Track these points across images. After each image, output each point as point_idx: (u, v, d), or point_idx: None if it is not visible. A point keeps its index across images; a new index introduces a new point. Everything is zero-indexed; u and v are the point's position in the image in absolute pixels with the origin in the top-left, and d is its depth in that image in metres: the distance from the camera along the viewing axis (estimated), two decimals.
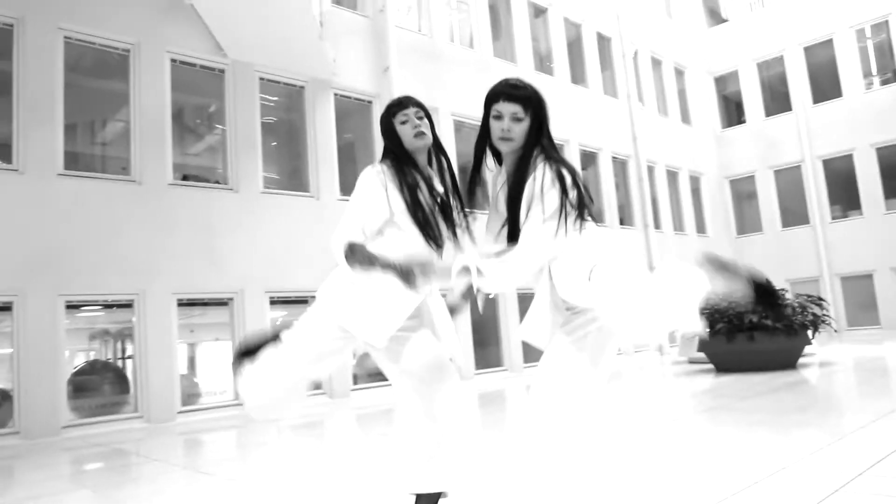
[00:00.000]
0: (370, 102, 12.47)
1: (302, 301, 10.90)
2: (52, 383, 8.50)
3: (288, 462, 5.55)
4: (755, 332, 9.11)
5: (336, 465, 5.25)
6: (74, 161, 9.31)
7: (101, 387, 9.51)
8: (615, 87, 18.03)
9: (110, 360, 9.97)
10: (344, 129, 12.08)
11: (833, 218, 19.39)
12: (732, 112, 22.22)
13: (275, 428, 7.82)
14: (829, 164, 19.59)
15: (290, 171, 11.76)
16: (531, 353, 14.04)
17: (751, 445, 4.39)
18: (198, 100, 11.15)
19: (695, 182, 20.55)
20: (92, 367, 9.70)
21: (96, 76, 9.96)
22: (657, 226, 18.22)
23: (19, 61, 8.79)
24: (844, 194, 19.32)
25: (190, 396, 9.87)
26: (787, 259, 19.72)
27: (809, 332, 9.45)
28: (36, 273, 8.53)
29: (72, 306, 8.91)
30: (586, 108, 16.81)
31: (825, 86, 19.77)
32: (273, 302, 10.52)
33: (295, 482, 4.60)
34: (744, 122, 21.52)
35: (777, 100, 20.82)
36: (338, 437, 7.43)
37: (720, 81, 22.12)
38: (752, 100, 21.15)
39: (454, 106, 13.55)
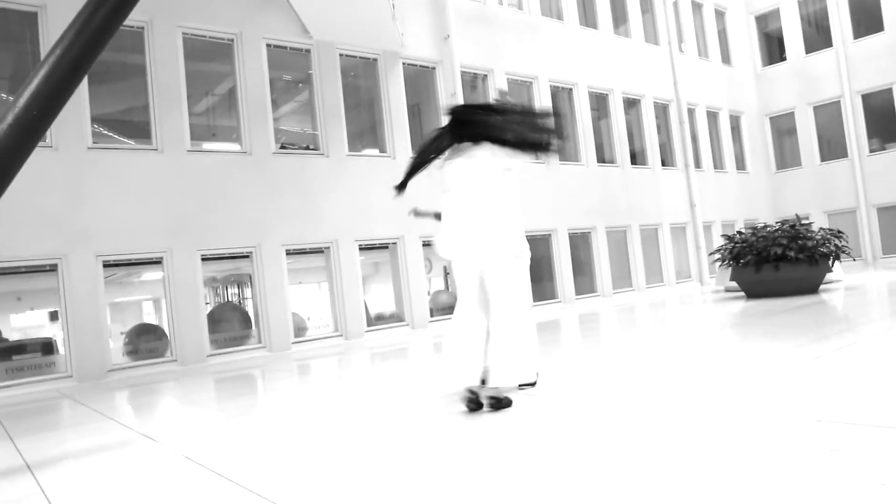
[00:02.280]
0: (433, 68, 13.93)
1: (383, 247, 12.75)
2: (195, 321, 10.55)
3: (373, 376, 7.41)
4: (780, 262, 10.56)
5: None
6: (196, 134, 11.09)
7: (231, 323, 11.57)
8: (656, 35, 19.00)
9: (235, 302, 12.03)
10: (411, 94, 13.60)
11: (871, 151, 20.22)
12: (774, 50, 22.83)
13: (368, 354, 9.69)
14: (867, 99, 20.30)
15: (369, 135, 13.40)
16: (582, 287, 15.73)
17: (767, 352, 6.01)
18: (289, 76, 12.79)
19: (735, 121, 21.50)
20: (223, 308, 11.76)
21: (207, 61, 11.65)
22: (698, 165, 19.42)
23: (150, 56, 10.54)
24: (882, 127, 20.09)
25: (300, 329, 11.87)
26: (826, 192, 20.75)
27: (830, 261, 10.84)
28: (178, 233, 10.47)
29: (205, 258, 10.88)
30: (629, 57, 17.90)
31: (866, 20, 20.29)
32: (361, 249, 12.37)
33: (378, 390, 6.41)
34: (784, 59, 22.18)
35: (817, 36, 21.40)
36: (420, 361, 9.29)
37: (761, 20, 22.69)
38: (793, 36, 21.74)
39: (508, 66, 14.91)
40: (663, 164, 18.58)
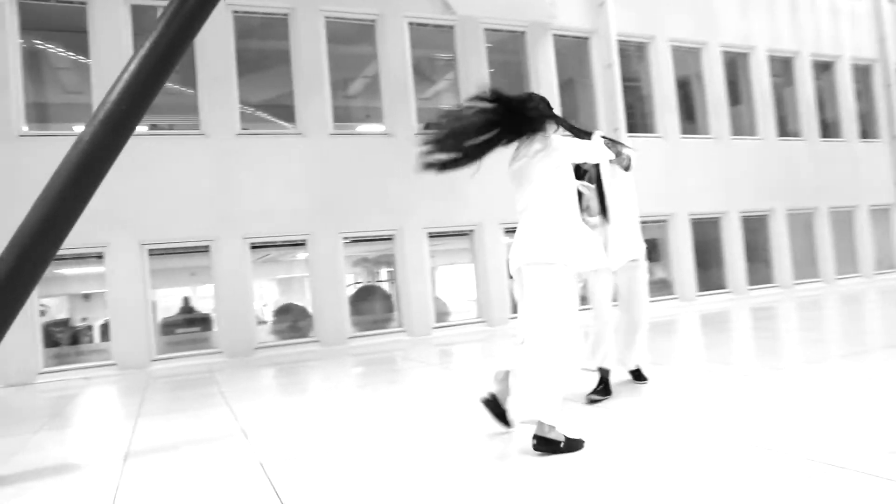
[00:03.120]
0: (587, 39, 12.97)
1: None
2: (336, 302, 10.61)
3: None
4: None
5: None
6: (339, 115, 11.12)
7: (372, 305, 11.57)
8: None
9: (378, 284, 12.03)
10: (562, 68, 12.76)
11: None
12: None
13: (511, 342, 9.12)
14: None
15: None
16: (756, 275, 14.05)
17: None
18: (431, 54, 12.49)
19: None
20: (365, 290, 11.81)
21: (347, 43, 11.64)
22: None
23: (294, 42, 10.69)
24: None
25: (442, 314, 11.61)
26: None
27: None
28: (321, 215, 10.57)
29: (347, 241, 10.91)
30: (820, 12, 15.61)
31: None
32: (507, 232, 11.82)
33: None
34: None
35: None
36: None
37: None
38: None
39: (671, 32, 13.55)
40: (863, 136, 16.08)
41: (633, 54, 13.48)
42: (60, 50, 10.68)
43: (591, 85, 12.88)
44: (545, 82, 12.31)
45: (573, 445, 3.27)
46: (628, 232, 4.71)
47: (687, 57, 14.00)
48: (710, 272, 13.72)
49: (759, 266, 14.26)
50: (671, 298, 13.16)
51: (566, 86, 13.14)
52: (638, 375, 5.01)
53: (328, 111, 10.77)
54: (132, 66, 4.45)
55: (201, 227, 9.91)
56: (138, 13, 9.82)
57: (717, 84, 14.02)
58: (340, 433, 4.27)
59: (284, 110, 10.87)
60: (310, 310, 10.67)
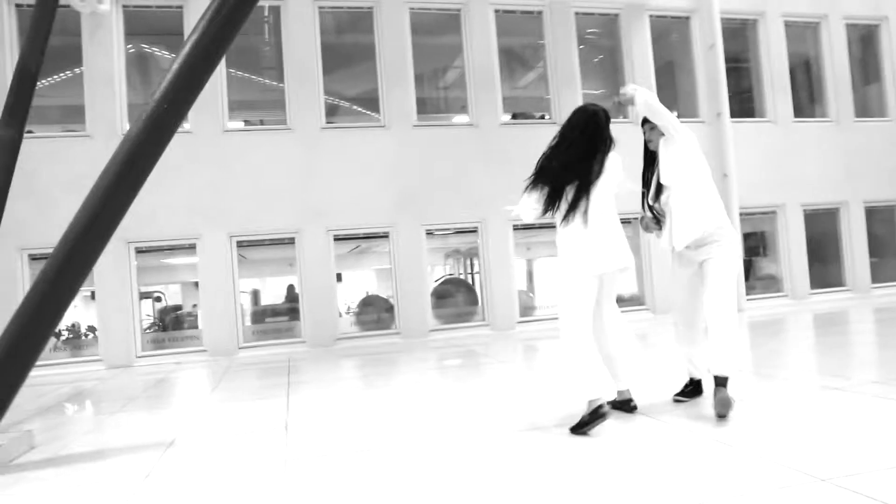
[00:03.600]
0: (687, 18, 12.18)
1: (625, 222, 11.50)
2: (419, 295, 10.59)
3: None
4: None
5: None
6: (423, 106, 11.06)
7: (455, 298, 11.48)
8: None
9: (462, 276, 11.93)
10: (660, 51, 12.06)
11: None
12: None
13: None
14: None
15: (609, 99, 12.23)
16: (882, 272, 12.77)
17: None
18: (520, 42, 12.17)
19: None
20: (450, 283, 11.73)
21: (433, 34, 11.56)
22: None
23: (378, 35, 10.73)
24: None
25: (527, 308, 11.33)
26: None
27: None
28: (404, 207, 10.58)
29: (430, 233, 10.86)
30: None
31: None
32: None
33: None
34: None
35: None
36: (656, 351, 8.07)
37: None
38: None
39: (785, 5, 12.47)
40: None
41: (738, 33, 12.50)
42: (165, 53, 11.32)
43: (691, 68, 12.09)
44: (640, 66, 11.68)
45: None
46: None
47: (803, 33, 12.84)
48: (826, 268, 12.55)
49: (885, 262, 12.88)
50: (779, 296, 12.15)
51: (664, 70, 12.43)
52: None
53: (412, 102, 10.74)
54: (174, 66, 4.55)
55: (287, 219, 10.18)
56: None
57: (839, 61, 12.75)
58: (376, 431, 4.18)
59: (370, 103, 10.96)
60: (392, 302, 10.72)
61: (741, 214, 11.88)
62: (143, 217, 9.38)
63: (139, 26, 10.38)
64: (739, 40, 12.53)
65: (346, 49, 11.24)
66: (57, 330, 10.03)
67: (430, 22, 11.20)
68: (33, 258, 9.42)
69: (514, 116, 11.48)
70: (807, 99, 12.91)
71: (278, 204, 10.15)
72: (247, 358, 9.59)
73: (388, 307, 10.86)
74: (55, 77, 10.47)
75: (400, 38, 10.76)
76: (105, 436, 4.66)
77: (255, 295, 17.53)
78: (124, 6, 10.00)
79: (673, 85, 12.41)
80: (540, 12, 11.46)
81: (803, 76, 12.95)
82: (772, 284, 12.35)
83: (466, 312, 11.27)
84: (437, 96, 12.17)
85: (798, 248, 12.24)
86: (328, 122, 10.51)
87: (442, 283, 11.76)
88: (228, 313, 9.92)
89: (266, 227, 10.17)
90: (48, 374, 8.82)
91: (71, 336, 10.13)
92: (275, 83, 10.98)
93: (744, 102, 12.49)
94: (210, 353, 9.79)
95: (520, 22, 11.55)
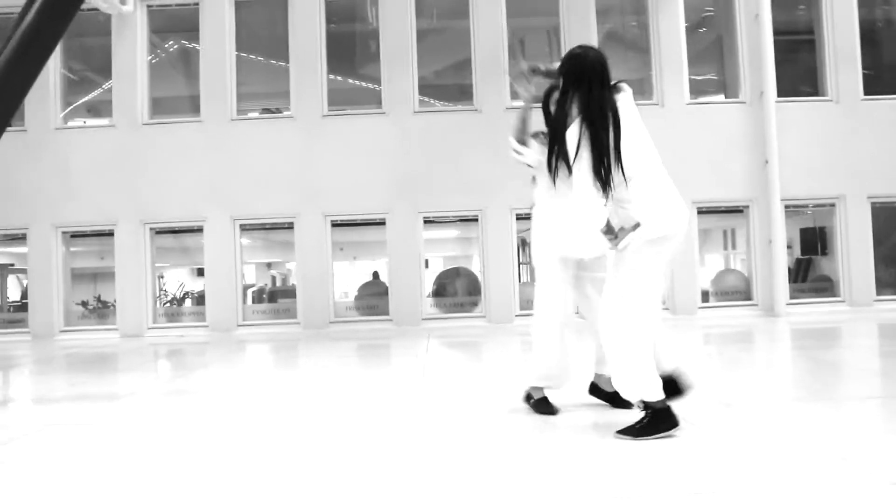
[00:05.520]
0: None
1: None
2: (412, 283, 10.53)
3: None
4: None
5: None
6: (423, 91, 10.93)
7: (453, 288, 11.28)
8: None
9: (462, 267, 11.68)
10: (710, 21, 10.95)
11: None
12: None
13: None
14: None
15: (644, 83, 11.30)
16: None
17: None
18: (531, 23, 11.58)
19: None
20: (448, 273, 11.55)
21: (444, 18, 11.32)
22: None
23: (382, 22, 10.74)
24: None
25: (528, 301, 10.84)
26: None
27: None
28: (401, 194, 10.56)
29: (427, 221, 10.76)
30: None
31: None
32: None
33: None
34: None
35: None
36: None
37: None
38: None
39: None
40: None
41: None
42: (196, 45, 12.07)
43: (733, 42, 10.81)
44: (670, 43, 10.64)
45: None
46: None
47: None
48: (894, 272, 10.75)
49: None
50: (835, 301, 10.60)
51: (713, 46, 11.25)
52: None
53: (413, 88, 10.65)
54: None
55: (286, 204, 10.56)
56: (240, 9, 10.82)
57: None
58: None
59: (371, 92, 11.05)
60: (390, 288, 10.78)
61: (787, 207, 10.51)
62: (157, 200, 10.32)
63: (164, 24, 11.22)
64: (791, 9, 10.98)
65: (351, 37, 11.38)
66: (85, 300, 11.25)
67: (437, 5, 11.00)
68: (66, 234, 10.64)
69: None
70: (875, 74, 11.03)
71: (278, 189, 10.55)
72: (244, 335, 10.13)
73: (385, 293, 10.92)
74: (88, 72, 11.65)
75: (403, 23, 10.68)
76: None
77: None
78: (148, 6, 10.88)
79: (707, 60, 11.18)
80: None
81: (870, 48, 11.08)
82: (828, 289, 10.81)
83: (468, 303, 11.05)
84: (442, 83, 11.92)
85: (860, 247, 10.56)
86: (330, 111, 10.73)
87: (444, 272, 11.59)
88: (229, 292, 10.53)
89: (263, 211, 10.63)
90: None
91: (97, 307, 11.35)
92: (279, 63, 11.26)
93: (797, 81, 10.97)
94: (211, 329, 10.46)
95: (532, 1, 10.99)
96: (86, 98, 11.56)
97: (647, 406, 3.12)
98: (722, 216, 11.90)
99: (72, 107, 11.36)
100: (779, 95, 10.45)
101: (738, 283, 11.01)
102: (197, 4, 10.76)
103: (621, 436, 3.12)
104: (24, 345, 9.78)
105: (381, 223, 10.72)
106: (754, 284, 10.60)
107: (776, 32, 10.47)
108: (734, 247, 14.35)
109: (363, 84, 11.48)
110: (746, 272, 10.95)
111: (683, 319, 10.06)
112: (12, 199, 10.50)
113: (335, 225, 10.72)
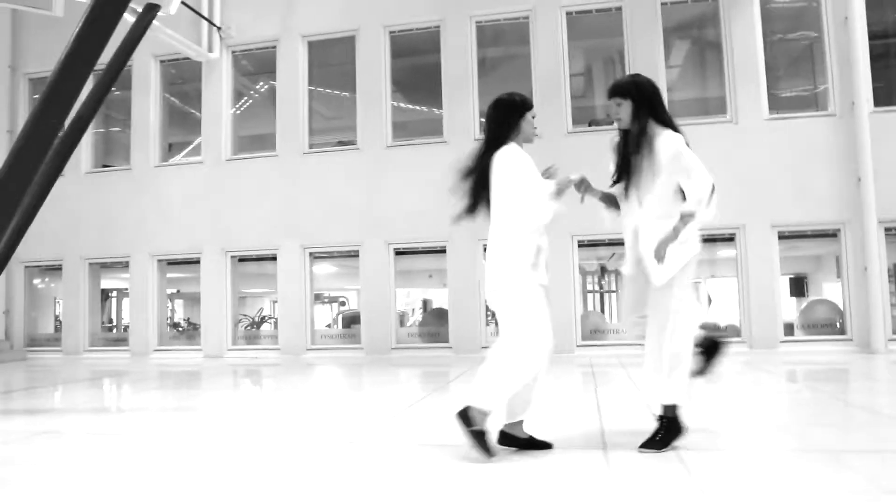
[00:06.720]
0: None
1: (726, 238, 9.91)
2: (471, 309, 10.46)
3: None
4: None
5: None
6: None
7: None
8: None
9: None
10: (769, 31, 10.08)
11: None
12: None
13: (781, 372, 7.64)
14: None
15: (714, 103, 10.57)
16: None
17: None
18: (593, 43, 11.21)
19: None
20: None
21: (504, 45, 11.25)
22: None
23: (444, 51, 10.89)
24: None
25: (595, 332, 10.39)
26: None
27: None
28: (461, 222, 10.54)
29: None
30: None
31: None
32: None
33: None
34: None
35: None
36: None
37: None
38: None
39: None
40: None
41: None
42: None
43: (820, 48, 9.86)
44: (744, 53, 9.91)
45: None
46: None
47: None
48: None
49: None
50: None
51: (804, 56, 10.35)
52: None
53: (473, 117, 10.69)
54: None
55: (352, 232, 10.92)
56: (313, 48, 11.40)
57: None
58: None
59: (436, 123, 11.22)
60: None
61: (887, 230, 9.36)
62: (238, 230, 11.11)
63: (253, 67, 12.10)
64: (887, 9, 9.83)
65: (416, 70, 11.62)
66: (175, 321, 12.20)
67: (497, 32, 10.98)
68: (161, 262, 11.69)
69: (591, 124, 10.63)
70: None
71: (345, 218, 10.94)
72: (311, 359, 10.56)
73: (446, 321, 10.93)
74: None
75: (464, 55, 10.78)
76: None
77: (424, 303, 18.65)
78: (232, 51, 11.79)
79: (788, 70, 10.24)
80: (619, 8, 10.45)
81: None
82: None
83: None
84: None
85: None
86: (394, 142, 11.01)
87: None
88: (300, 318, 11.02)
89: (332, 239, 11.06)
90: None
91: (186, 328, 12.29)
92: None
93: (893, 89, 9.78)
94: (282, 352, 10.99)
95: (595, 21, 10.67)
96: (183, 139, 12.71)
97: (662, 417, 3.36)
98: (809, 240, 10.77)
99: (171, 146, 12.53)
100: (874, 105, 9.39)
101: (831, 315, 9.90)
102: (275, 47, 11.52)
103: (645, 450, 3.28)
104: (124, 361, 10.85)
105: (442, 251, 10.79)
106: (848, 317, 9.49)
107: (870, 37, 9.45)
108: (823, 274, 12.92)
109: (425, 109, 11.72)
110: (841, 303, 9.83)
111: (761, 354, 9.19)
112: (118, 232, 11.74)
113: (398, 253, 10.94)
